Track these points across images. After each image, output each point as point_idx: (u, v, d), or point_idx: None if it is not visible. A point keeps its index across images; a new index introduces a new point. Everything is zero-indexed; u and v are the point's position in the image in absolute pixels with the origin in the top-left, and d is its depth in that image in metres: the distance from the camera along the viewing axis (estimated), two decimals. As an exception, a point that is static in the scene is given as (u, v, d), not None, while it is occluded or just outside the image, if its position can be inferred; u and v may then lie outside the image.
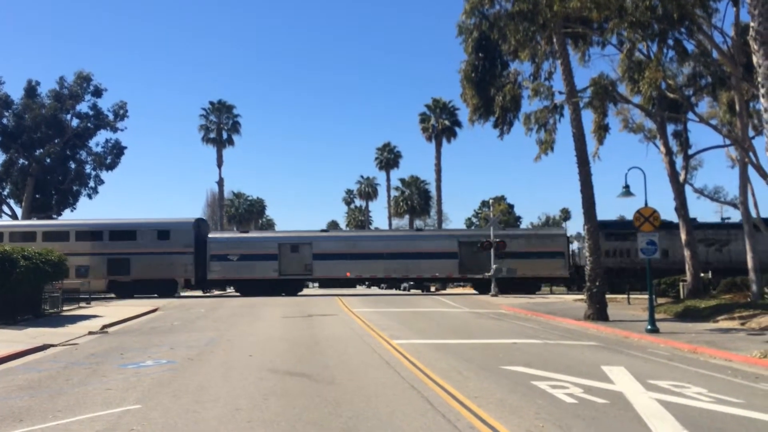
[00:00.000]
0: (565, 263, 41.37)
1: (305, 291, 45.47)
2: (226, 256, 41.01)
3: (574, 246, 45.46)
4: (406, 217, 72.39)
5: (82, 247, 39.91)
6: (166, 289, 40.47)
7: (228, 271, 41.13)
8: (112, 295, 39.80)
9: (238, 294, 42.45)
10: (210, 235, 42.43)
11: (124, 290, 39.86)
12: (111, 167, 52.90)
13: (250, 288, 41.07)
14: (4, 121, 49.56)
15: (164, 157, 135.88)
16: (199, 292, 44.32)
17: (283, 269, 41.20)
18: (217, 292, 47.83)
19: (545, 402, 9.18)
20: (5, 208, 51.76)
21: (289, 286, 41.56)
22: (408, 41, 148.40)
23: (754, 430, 7.88)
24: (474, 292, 43.50)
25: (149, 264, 40.30)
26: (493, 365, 12.55)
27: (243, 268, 40.96)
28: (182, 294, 41.96)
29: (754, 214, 28.49)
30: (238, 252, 41.27)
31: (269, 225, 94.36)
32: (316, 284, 48.84)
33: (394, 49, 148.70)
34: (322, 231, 47.66)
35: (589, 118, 28.05)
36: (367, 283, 48.28)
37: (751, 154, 24.21)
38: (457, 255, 41.06)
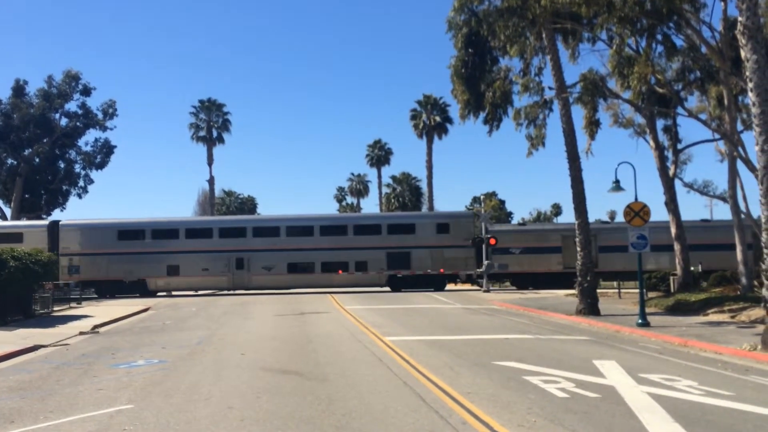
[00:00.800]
0: None
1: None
2: (508, 249, 39.76)
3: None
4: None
5: (359, 241, 39.97)
6: (441, 283, 39.69)
7: (508, 264, 40.05)
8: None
9: (514, 288, 40.50)
10: (491, 228, 41.37)
11: (401, 284, 39.39)
12: (100, 166, 52.57)
13: (529, 281, 39.73)
14: (-8, 120, 49.24)
15: (154, 155, 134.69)
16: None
17: (568, 262, 39.03)
18: (492, 287, 43.31)
19: (537, 397, 9.22)
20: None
21: (570, 280, 40.36)
22: (398, 37, 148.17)
23: (744, 422, 7.93)
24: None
25: (428, 258, 39.57)
26: (486, 361, 12.58)
27: (524, 260, 39.87)
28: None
29: (743, 207, 28.69)
30: (520, 245, 40.18)
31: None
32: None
33: (383, 45, 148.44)
34: (604, 223, 45.67)
35: (579, 113, 28.21)
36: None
37: (740, 148, 24.40)
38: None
